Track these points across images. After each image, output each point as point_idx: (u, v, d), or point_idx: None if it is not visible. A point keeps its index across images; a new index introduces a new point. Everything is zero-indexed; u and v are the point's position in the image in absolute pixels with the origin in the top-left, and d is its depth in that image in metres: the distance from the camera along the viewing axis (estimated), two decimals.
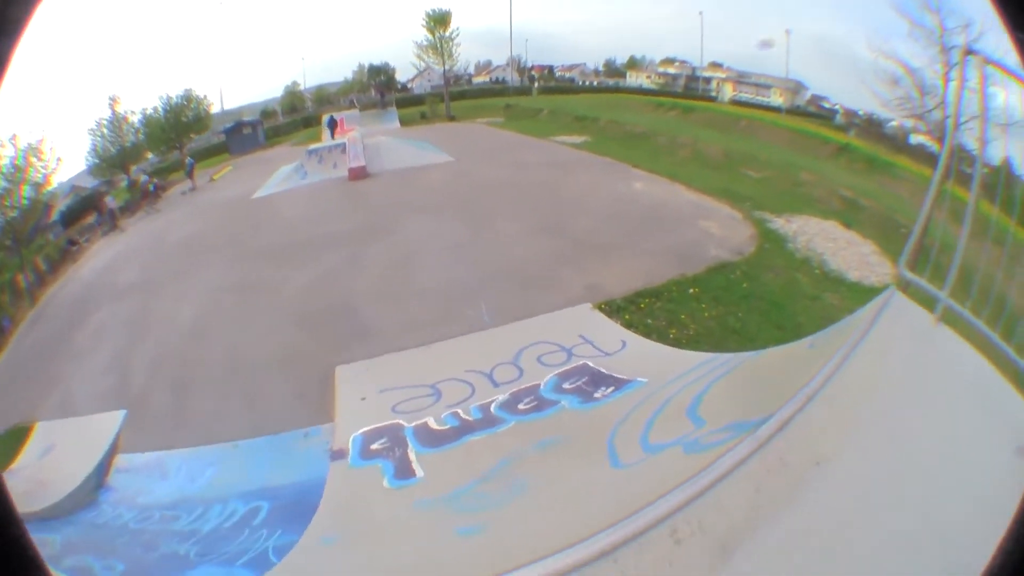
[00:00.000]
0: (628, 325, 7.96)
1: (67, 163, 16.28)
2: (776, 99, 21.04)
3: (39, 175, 15.58)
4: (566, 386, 6.62)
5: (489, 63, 25.94)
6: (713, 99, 22.45)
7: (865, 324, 5.36)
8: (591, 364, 6.97)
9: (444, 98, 23.94)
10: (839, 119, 20.06)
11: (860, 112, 19.04)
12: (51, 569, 2.10)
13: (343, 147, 18.57)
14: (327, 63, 25.04)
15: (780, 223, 11.93)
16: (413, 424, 6.35)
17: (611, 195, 13.45)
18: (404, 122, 22.72)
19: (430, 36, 22.81)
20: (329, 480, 5.82)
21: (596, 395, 6.40)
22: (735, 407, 5.38)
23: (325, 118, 22.09)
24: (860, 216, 12.49)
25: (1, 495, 2.03)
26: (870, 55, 13.88)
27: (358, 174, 16.87)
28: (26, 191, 15.38)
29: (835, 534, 3.21)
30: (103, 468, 7.37)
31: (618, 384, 6.54)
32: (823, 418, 4.12)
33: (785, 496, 3.54)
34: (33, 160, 15.33)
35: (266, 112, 24.03)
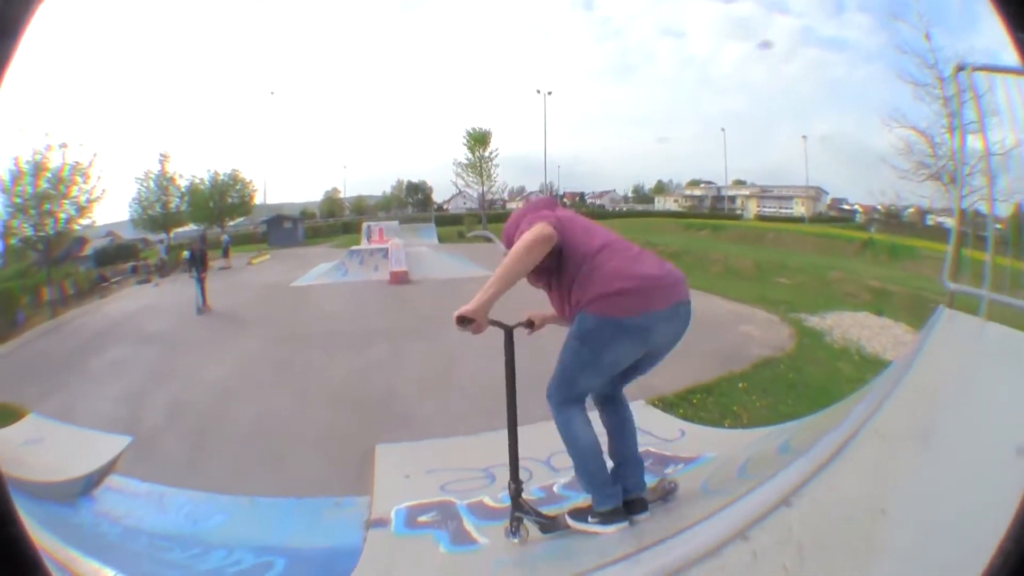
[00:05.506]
0: (683, 419, 7.77)
1: (109, 198, 16.70)
2: (799, 209, 21.45)
3: (83, 197, 16.07)
4: None
5: (523, 189, 26.98)
6: (739, 216, 22.80)
7: (920, 341, 5.45)
8: (653, 449, 6.60)
9: (481, 219, 24.38)
10: (859, 217, 20.29)
11: (878, 207, 19.32)
12: (51, 570, 2.03)
13: (385, 252, 18.92)
14: (367, 175, 26.19)
15: (815, 320, 12.15)
16: (466, 502, 5.78)
17: None
18: (442, 239, 22.97)
19: (470, 155, 23.48)
20: (368, 545, 5.24)
21: (667, 471, 5.98)
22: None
23: (364, 225, 22.46)
24: (889, 302, 12.95)
25: (1, 494, 1.96)
26: (883, 128, 14.37)
27: (400, 278, 17.07)
28: (66, 205, 15.80)
29: (832, 533, 3.07)
30: (92, 480, 7.05)
31: (687, 461, 6.22)
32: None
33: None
34: (79, 180, 15.85)
35: (305, 212, 24.77)
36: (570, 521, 4.05)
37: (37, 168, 15.75)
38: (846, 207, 21.30)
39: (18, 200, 15.75)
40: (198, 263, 15.10)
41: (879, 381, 6.11)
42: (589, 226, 3.97)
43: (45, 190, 15.94)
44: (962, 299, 5.59)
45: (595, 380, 3.93)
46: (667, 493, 4.28)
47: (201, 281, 14.96)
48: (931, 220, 16.95)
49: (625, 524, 3.87)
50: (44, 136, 15.77)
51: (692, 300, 3.91)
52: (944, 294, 5.82)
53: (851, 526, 2.99)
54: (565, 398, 3.90)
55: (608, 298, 3.60)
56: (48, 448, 7.95)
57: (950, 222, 14.74)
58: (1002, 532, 1.89)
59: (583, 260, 3.71)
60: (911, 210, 17.68)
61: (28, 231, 16.00)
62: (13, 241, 16.22)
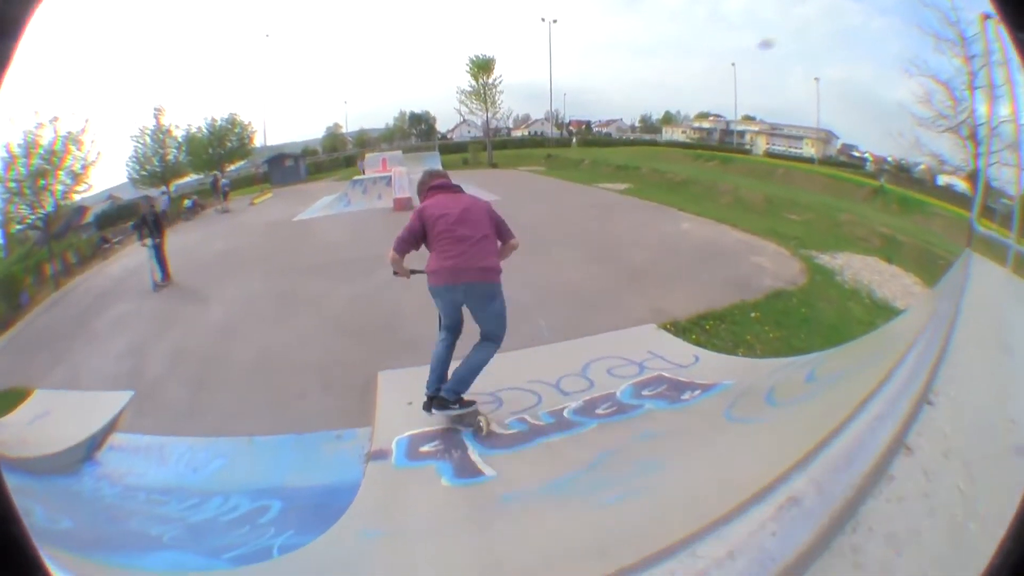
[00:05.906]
0: (696, 345, 7.37)
1: (105, 161, 16.33)
2: (808, 150, 20.88)
3: (77, 164, 15.69)
4: (646, 393, 5.84)
5: (528, 117, 26.18)
6: (747, 152, 22.30)
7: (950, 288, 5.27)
8: (667, 375, 6.25)
9: (486, 146, 23.94)
10: (869, 166, 19.82)
11: (889, 158, 18.87)
12: (52, 569, 1.96)
13: (388, 179, 18.35)
14: (369, 109, 25.42)
15: (826, 259, 11.72)
16: (472, 429, 5.49)
17: (660, 233, 13.27)
18: (446, 167, 22.65)
19: (473, 82, 22.87)
20: (366, 478, 4.99)
21: (684, 397, 5.64)
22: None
23: (361, 159, 22.09)
24: (899, 251, 12.46)
25: (1, 493, 1.88)
26: (900, 76, 14.07)
27: (403, 204, 16.46)
28: (62, 176, 15.46)
29: (984, 442, 2.93)
30: (95, 442, 6.80)
31: (704, 388, 5.83)
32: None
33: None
34: (72, 148, 15.46)
35: (307, 150, 24.30)
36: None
37: (29, 148, 15.16)
38: (856, 154, 20.70)
39: (12, 184, 15.17)
40: (151, 229, 12.07)
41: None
42: (444, 218, 5.65)
43: (39, 166, 15.33)
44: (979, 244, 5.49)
45: (445, 318, 5.80)
46: (474, 427, 5.54)
47: (157, 249, 12.09)
48: (942, 180, 16.52)
49: (430, 414, 5.68)
50: (33, 115, 15.08)
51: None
52: (961, 249, 5.66)
53: (994, 433, 2.84)
54: (439, 326, 5.88)
55: (429, 275, 5.65)
56: (53, 420, 7.62)
57: (962, 184, 14.51)
58: (1002, 532, 1.86)
59: (430, 246, 5.72)
60: (922, 167, 17.23)
61: (25, 211, 15.47)
62: (14, 230, 15.70)
